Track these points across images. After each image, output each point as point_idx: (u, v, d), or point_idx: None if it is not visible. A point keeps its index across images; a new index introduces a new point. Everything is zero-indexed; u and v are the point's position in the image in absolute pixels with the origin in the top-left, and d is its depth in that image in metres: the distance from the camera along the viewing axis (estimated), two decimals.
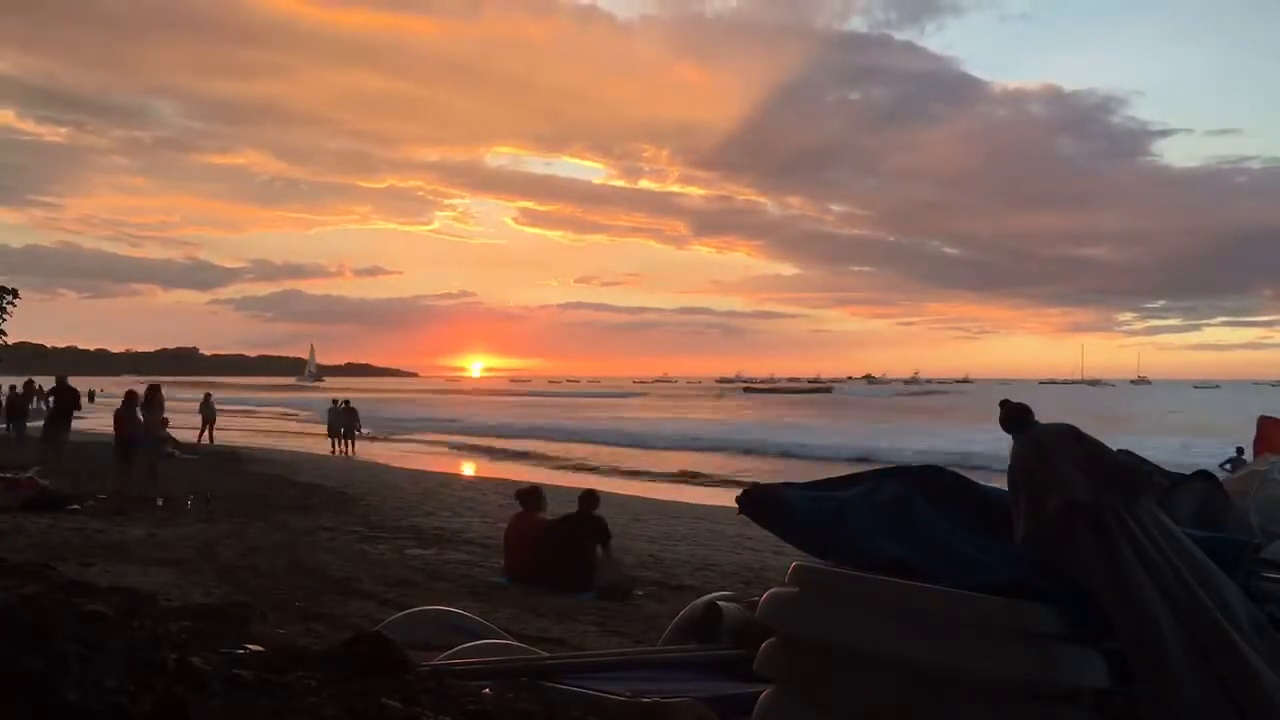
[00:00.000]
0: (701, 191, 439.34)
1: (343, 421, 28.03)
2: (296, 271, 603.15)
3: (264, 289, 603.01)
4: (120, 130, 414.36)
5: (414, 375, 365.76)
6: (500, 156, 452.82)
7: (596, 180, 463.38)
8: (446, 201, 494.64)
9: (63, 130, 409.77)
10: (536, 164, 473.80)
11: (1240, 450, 20.36)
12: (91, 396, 33.92)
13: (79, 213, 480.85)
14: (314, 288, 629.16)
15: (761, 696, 3.30)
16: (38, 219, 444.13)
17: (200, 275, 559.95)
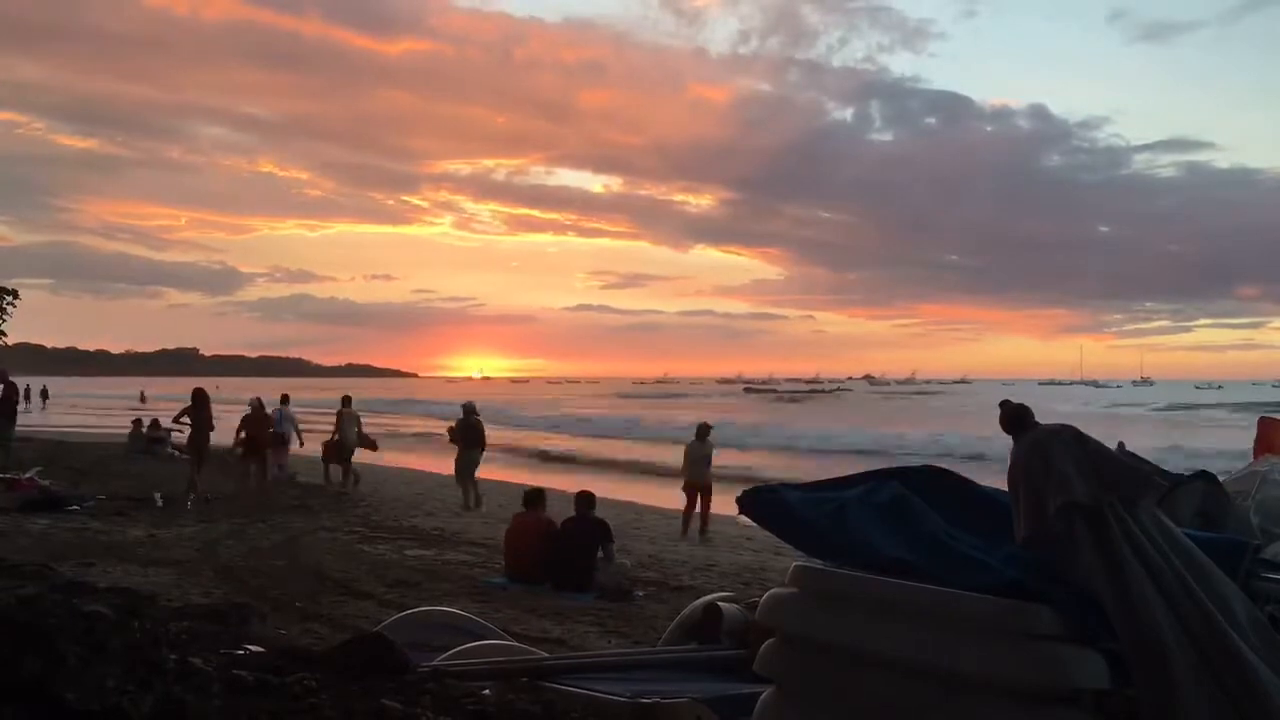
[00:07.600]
0: (704, 199, 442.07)
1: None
2: (308, 276, 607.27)
3: (277, 291, 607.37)
4: (149, 141, 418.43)
5: (413, 376, 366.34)
6: (506, 165, 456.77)
7: (599, 188, 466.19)
8: (455, 208, 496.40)
9: (93, 140, 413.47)
10: (540, 172, 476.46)
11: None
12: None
13: (100, 218, 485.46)
14: (323, 291, 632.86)
15: (761, 696, 3.31)
16: (62, 223, 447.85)
17: (219, 279, 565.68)
